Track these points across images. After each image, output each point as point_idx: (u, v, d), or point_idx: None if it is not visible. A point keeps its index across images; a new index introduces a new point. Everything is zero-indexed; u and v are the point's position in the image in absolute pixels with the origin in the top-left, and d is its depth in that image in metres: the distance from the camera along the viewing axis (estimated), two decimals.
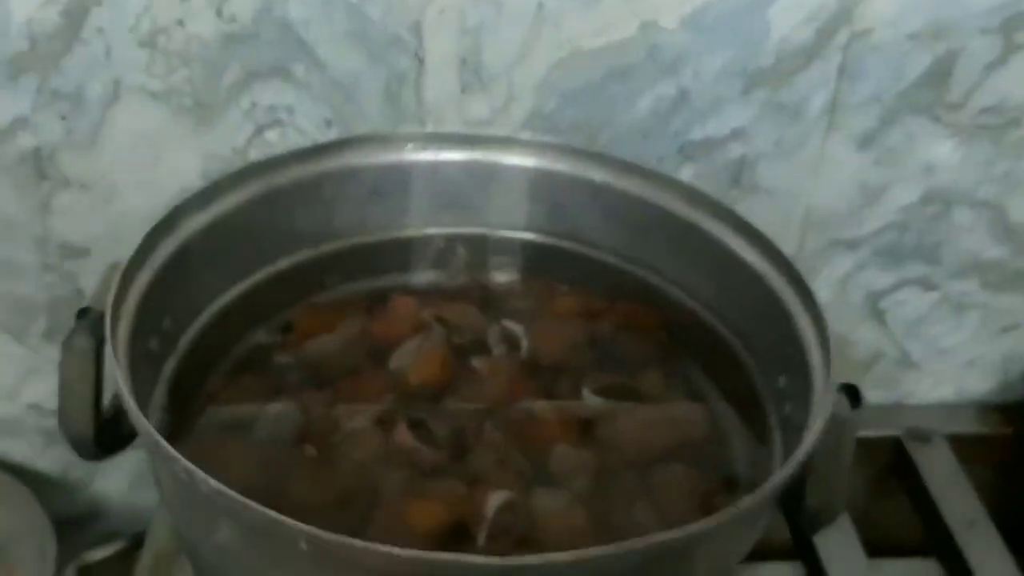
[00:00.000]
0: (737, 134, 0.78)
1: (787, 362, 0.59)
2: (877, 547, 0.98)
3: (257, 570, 0.50)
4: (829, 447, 0.53)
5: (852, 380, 0.74)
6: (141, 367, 0.57)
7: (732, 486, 0.61)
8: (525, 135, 0.72)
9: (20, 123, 0.74)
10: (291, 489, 0.59)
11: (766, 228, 0.65)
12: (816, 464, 0.53)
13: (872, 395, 0.95)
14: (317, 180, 0.69)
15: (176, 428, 0.61)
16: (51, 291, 0.83)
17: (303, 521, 0.54)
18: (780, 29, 0.73)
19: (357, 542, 0.42)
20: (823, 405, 0.52)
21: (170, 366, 0.61)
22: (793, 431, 0.56)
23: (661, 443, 0.62)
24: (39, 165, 0.76)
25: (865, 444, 0.91)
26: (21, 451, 0.91)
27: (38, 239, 0.80)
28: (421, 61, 0.73)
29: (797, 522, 0.56)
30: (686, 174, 0.79)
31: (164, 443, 0.46)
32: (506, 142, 0.72)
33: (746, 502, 0.48)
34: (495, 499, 0.57)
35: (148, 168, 0.76)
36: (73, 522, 0.96)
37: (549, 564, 0.43)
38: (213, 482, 0.44)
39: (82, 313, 0.55)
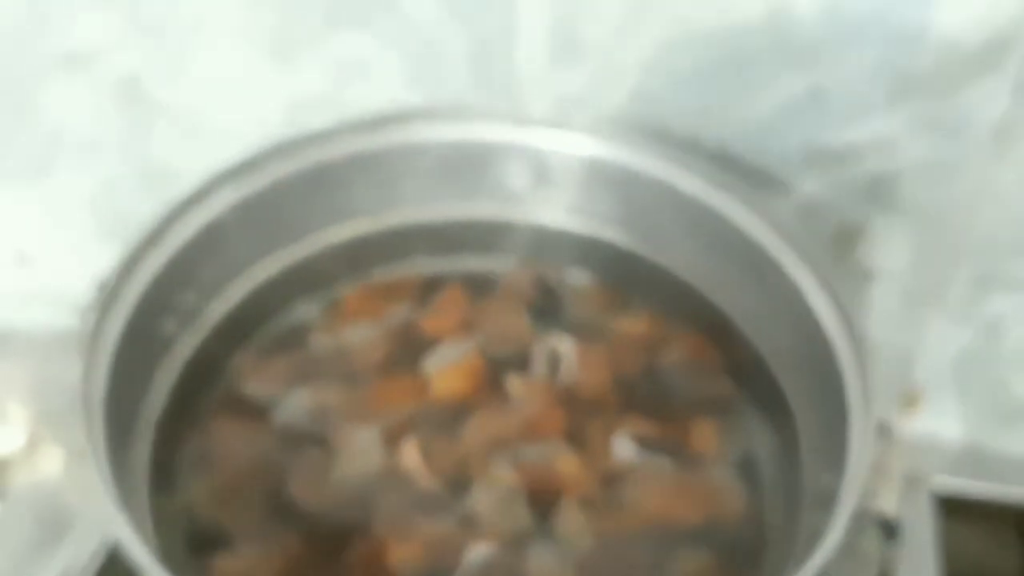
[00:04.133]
0: (878, 145, 0.65)
1: (834, 461, 0.50)
2: None
3: None
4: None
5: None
6: (147, 347, 0.56)
7: None
8: (613, 126, 0.63)
9: (112, 46, 0.72)
10: (289, 487, 0.57)
11: (897, 258, 0.60)
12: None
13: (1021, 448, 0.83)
14: (380, 153, 0.64)
15: (188, 404, 0.59)
16: (149, 211, 0.83)
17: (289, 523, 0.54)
18: (942, 29, 0.59)
19: None
20: (837, 533, 0.44)
21: (189, 343, 0.60)
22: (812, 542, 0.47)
23: (686, 519, 0.55)
24: (132, 89, 0.75)
25: (995, 499, 0.81)
26: None
27: (135, 159, 0.81)
28: (511, 26, 0.65)
29: None
30: (811, 183, 0.67)
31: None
32: (594, 131, 0.64)
33: None
34: (477, 552, 0.53)
35: (232, 108, 0.73)
36: None
37: None
38: None
39: (102, 288, 0.54)
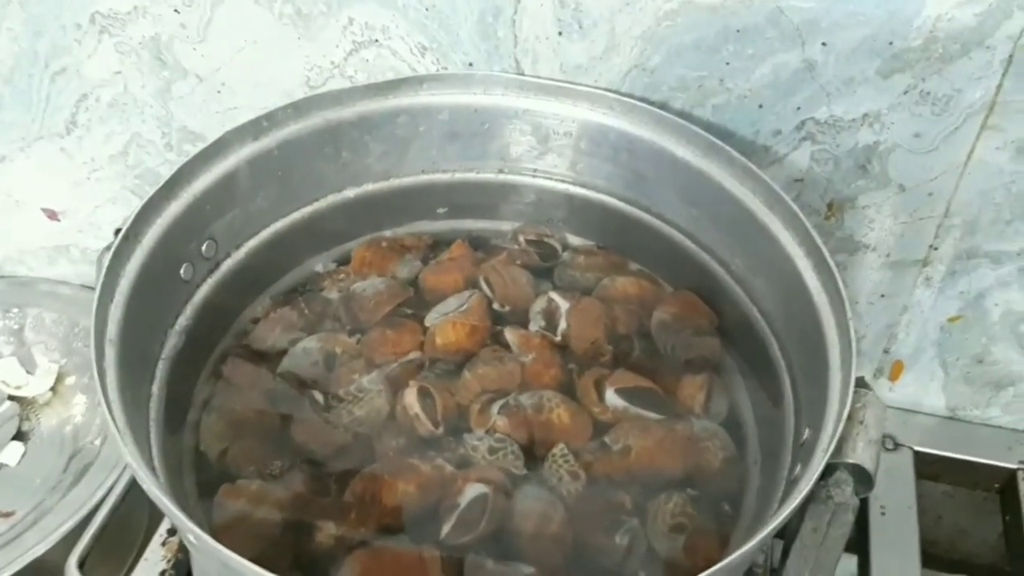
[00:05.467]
0: (870, 119, 0.67)
1: (815, 414, 0.53)
2: (974, 564, 0.90)
3: None
4: (818, 525, 0.48)
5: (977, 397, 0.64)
6: (164, 292, 0.59)
7: (726, 530, 0.56)
8: (616, 93, 0.66)
9: (140, 10, 0.75)
10: (293, 429, 0.60)
11: (882, 231, 0.61)
12: (802, 538, 0.48)
13: (1002, 418, 0.85)
14: (389, 116, 0.67)
15: (201, 348, 0.63)
16: (172, 167, 0.87)
17: (295, 468, 0.57)
18: (935, 6, 0.61)
19: (226, 553, 0.42)
20: (813, 475, 0.46)
21: (205, 290, 0.63)
22: (791, 493, 0.50)
23: (669, 468, 0.58)
24: (158, 51, 0.78)
25: (977, 468, 0.83)
26: None
27: (161, 120, 0.84)
28: None
29: None
30: (803, 155, 0.70)
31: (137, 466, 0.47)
32: (592, 98, 0.67)
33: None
34: (470, 491, 0.56)
35: (254, 70, 0.76)
36: None
37: None
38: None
39: (117, 232, 0.57)
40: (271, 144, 0.64)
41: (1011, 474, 0.81)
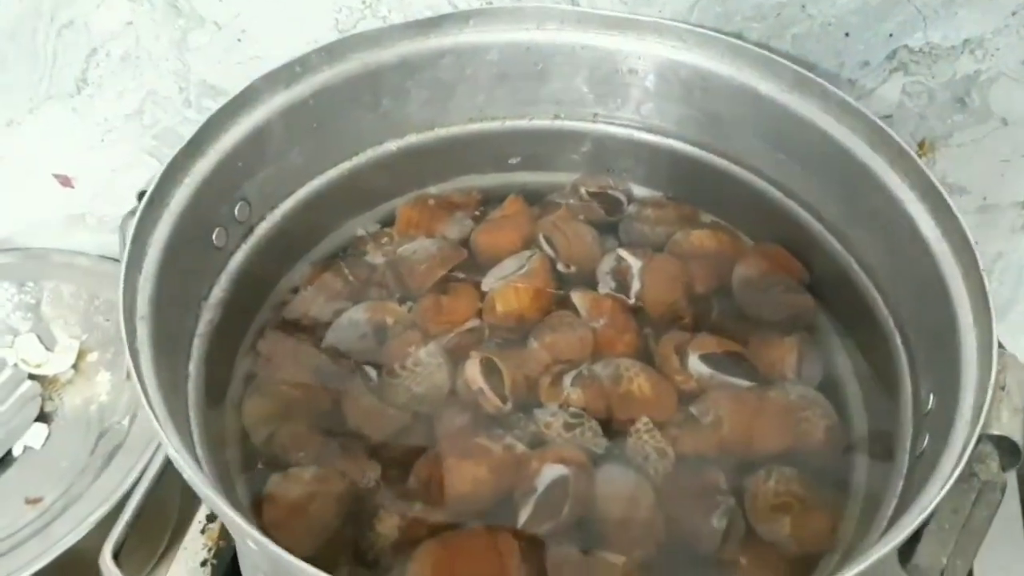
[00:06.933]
0: (971, 45, 0.60)
1: (941, 378, 0.46)
2: None
3: None
4: (960, 507, 0.41)
5: None
6: (195, 260, 0.53)
7: (837, 510, 0.50)
8: (685, 25, 0.59)
9: None
10: (345, 411, 0.55)
11: (980, 170, 0.56)
12: (940, 521, 0.42)
13: None
14: (432, 58, 0.60)
15: (240, 321, 0.57)
16: (192, 125, 0.81)
17: (350, 453, 0.51)
18: None
19: (289, 558, 0.36)
20: (959, 459, 0.40)
21: (239, 257, 0.57)
22: (925, 470, 0.44)
23: (767, 441, 0.52)
24: (173, 2, 0.71)
25: None
26: None
27: (178, 74, 0.77)
28: None
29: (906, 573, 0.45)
30: (893, 88, 0.63)
31: (176, 455, 0.41)
32: (660, 29, 0.60)
33: None
34: (549, 473, 0.50)
35: (277, 14, 0.70)
36: None
37: None
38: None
39: (142, 194, 0.51)
40: (305, 93, 0.57)
41: None
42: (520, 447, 0.51)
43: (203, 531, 0.69)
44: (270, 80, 0.56)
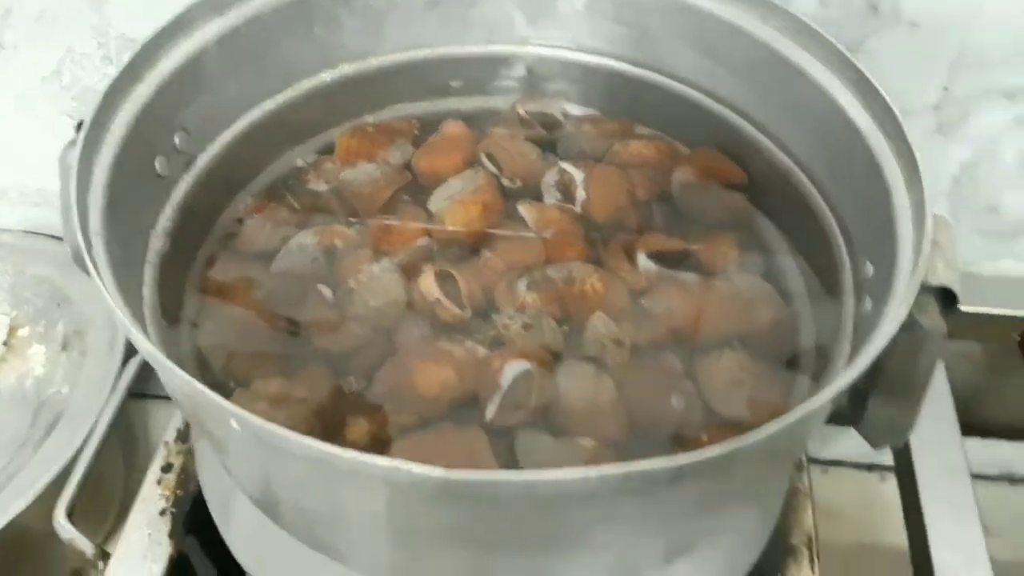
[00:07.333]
0: None
1: (879, 248, 0.49)
2: (991, 426, 0.89)
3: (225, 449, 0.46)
4: (905, 357, 0.44)
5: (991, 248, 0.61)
6: (139, 188, 0.52)
7: (789, 380, 0.52)
8: None
9: None
10: (304, 330, 0.55)
11: (892, 76, 0.54)
12: (887, 374, 0.44)
13: (1015, 267, 0.83)
14: None
15: (186, 253, 0.57)
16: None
17: (312, 366, 0.51)
18: None
19: (279, 430, 0.36)
20: (902, 307, 0.42)
21: (183, 187, 0.56)
22: (869, 329, 0.46)
23: (716, 326, 0.54)
24: None
25: (995, 320, 0.81)
26: None
27: (96, 28, 0.76)
28: None
29: (858, 429, 0.48)
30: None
31: (124, 319, 0.41)
32: None
33: (789, 418, 0.39)
34: (512, 369, 0.51)
35: None
36: None
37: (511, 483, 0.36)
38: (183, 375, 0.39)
39: (80, 126, 0.50)
40: (238, 20, 0.57)
41: None
42: (481, 350, 0.52)
43: (159, 482, 0.68)
44: (204, 6, 0.55)
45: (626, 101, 0.65)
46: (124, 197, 0.50)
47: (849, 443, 1.03)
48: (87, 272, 0.46)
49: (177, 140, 0.55)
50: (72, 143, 0.49)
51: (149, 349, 0.40)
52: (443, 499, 0.38)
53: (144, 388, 0.77)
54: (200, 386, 0.38)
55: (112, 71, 0.76)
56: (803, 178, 0.57)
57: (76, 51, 0.77)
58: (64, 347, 0.85)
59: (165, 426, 0.71)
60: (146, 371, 0.75)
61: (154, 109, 0.52)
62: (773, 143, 0.59)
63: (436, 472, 0.35)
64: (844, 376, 0.40)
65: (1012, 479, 1.07)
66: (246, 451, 0.44)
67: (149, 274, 0.52)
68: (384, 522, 0.42)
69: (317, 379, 0.51)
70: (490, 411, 0.50)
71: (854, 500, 1.03)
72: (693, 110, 0.62)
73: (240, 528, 0.59)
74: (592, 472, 0.35)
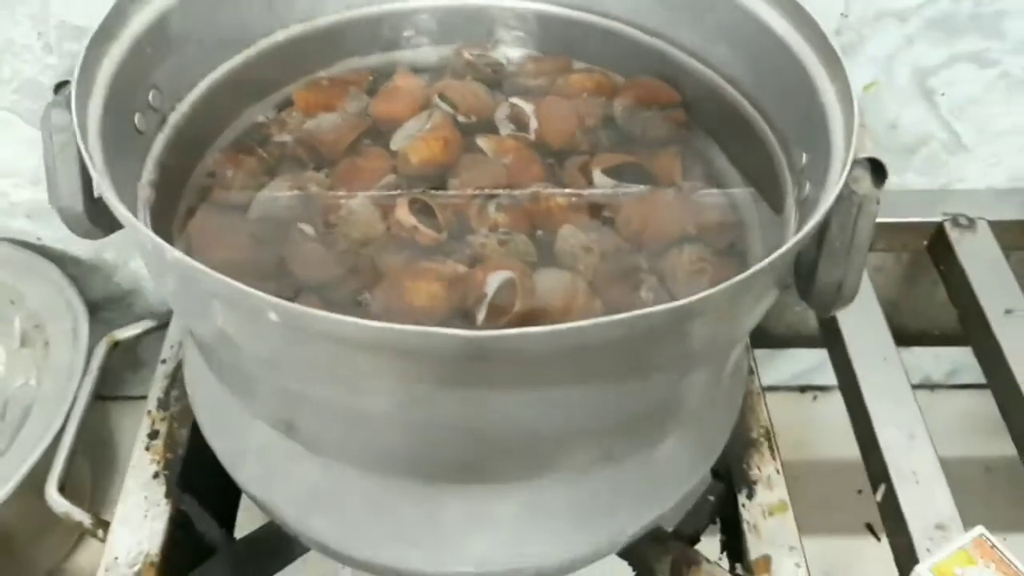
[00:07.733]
0: None
1: (811, 139, 0.54)
2: (909, 334, 0.97)
3: (237, 343, 0.49)
4: (845, 223, 0.49)
5: (894, 164, 0.69)
6: (124, 142, 0.55)
7: (744, 264, 0.58)
8: None
9: None
10: (290, 268, 0.58)
11: None
12: (831, 240, 0.50)
13: (917, 180, 0.91)
14: None
15: (168, 206, 0.59)
16: (55, 73, 0.80)
17: (302, 300, 0.55)
18: None
19: (320, 313, 0.40)
20: (840, 178, 0.48)
21: (159, 143, 0.59)
22: (811, 206, 0.52)
23: (673, 226, 0.59)
24: None
25: (904, 229, 0.89)
26: (53, 235, 0.92)
27: (35, 17, 0.77)
28: None
29: (809, 301, 0.53)
30: None
31: (124, 211, 0.44)
32: None
33: (746, 274, 0.44)
34: (495, 278, 0.55)
35: None
36: (107, 304, 0.98)
37: (524, 336, 0.41)
38: (175, 253, 0.42)
39: (59, 87, 0.53)
40: None
41: (938, 226, 0.87)
42: (462, 267, 0.56)
43: (148, 448, 0.70)
44: None
45: (560, 42, 0.70)
46: (113, 148, 0.52)
47: (783, 367, 1.11)
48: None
49: (151, 98, 0.58)
50: (53, 104, 0.51)
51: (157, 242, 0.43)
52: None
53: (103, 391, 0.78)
54: (197, 263, 0.41)
55: (53, 60, 0.78)
56: (734, 92, 0.63)
57: (15, 42, 0.78)
58: (23, 343, 0.86)
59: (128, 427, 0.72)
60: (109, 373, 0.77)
61: (130, 66, 0.55)
62: (703, 65, 0.64)
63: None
64: (795, 238, 0.46)
65: (932, 386, 1.15)
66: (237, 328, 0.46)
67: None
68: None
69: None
70: (480, 317, 0.54)
71: (792, 421, 1.10)
72: (624, 43, 0.67)
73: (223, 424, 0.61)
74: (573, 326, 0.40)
